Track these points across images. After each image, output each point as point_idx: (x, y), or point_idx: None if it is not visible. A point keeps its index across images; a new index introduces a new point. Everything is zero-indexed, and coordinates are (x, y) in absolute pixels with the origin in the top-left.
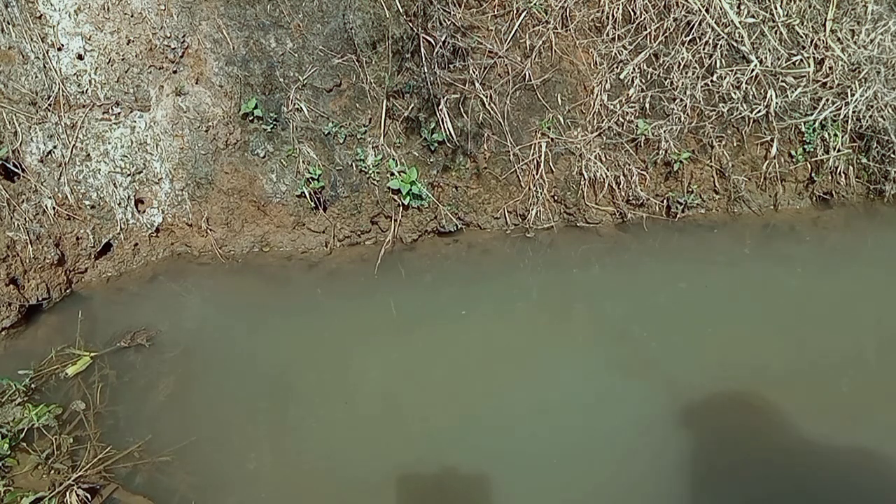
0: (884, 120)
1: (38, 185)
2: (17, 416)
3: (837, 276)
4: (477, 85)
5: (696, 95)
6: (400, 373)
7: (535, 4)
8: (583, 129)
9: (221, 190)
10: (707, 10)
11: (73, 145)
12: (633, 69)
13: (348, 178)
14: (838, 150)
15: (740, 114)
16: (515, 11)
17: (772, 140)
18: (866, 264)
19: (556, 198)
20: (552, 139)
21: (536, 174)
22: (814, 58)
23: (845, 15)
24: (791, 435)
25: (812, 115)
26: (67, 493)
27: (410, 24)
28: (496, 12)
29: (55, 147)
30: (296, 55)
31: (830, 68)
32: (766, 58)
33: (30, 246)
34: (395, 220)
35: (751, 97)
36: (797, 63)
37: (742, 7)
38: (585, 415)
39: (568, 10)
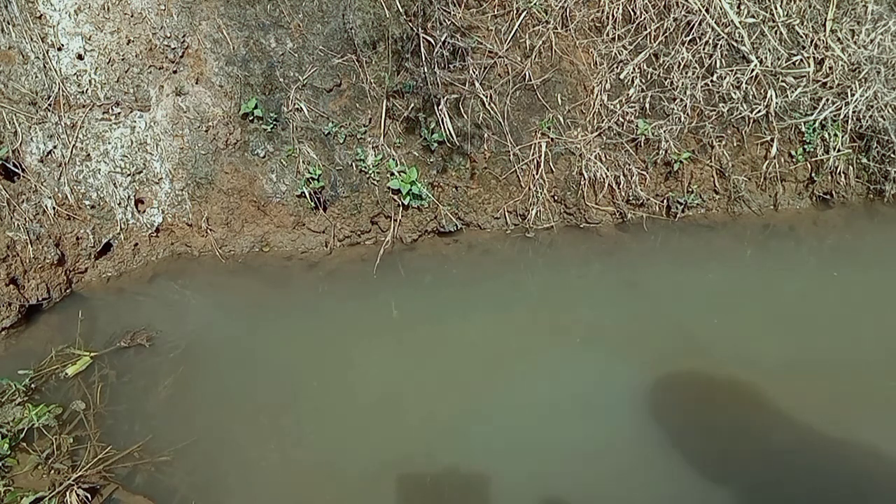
0: (884, 120)
1: (38, 185)
2: (17, 416)
3: (837, 276)
4: (477, 85)
5: (696, 95)
6: (400, 373)
7: (535, 4)
8: (583, 129)
9: (221, 190)
10: (707, 10)
11: (73, 145)
12: (633, 69)
13: (348, 178)
14: (838, 150)
15: (740, 114)
16: (515, 11)
17: (772, 140)
18: (866, 264)
19: (556, 198)
20: (552, 139)
21: (536, 174)
22: (814, 58)
23: (845, 15)
24: (787, 432)
25: (812, 115)
26: (67, 493)
27: (410, 24)
28: (496, 12)
29: (55, 147)
30: (296, 55)
31: (830, 68)
32: (766, 58)
33: (30, 246)
34: (395, 220)
35: (751, 97)
36: (797, 63)
37: (742, 7)
38: (585, 413)
39: (568, 10)
